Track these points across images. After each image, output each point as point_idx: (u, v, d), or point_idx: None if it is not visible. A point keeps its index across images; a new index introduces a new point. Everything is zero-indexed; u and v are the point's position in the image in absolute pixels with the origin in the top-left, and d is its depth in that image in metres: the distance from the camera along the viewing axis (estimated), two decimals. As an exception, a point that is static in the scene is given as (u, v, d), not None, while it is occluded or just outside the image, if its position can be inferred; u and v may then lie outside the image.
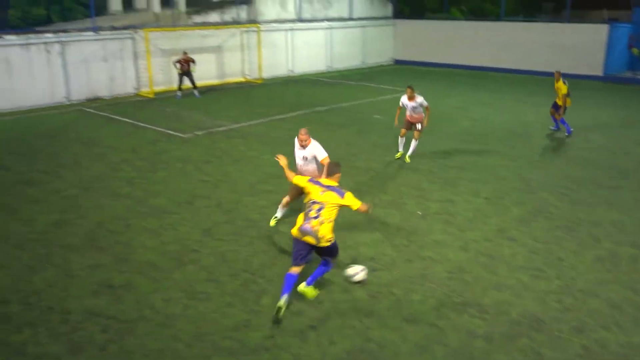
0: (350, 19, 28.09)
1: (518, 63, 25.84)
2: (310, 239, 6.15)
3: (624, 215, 9.07)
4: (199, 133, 14.28)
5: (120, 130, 14.60)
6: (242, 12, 23.72)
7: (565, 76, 23.86)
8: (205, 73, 21.93)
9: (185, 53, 19.05)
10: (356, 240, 8.05)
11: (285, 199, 8.44)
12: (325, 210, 6.13)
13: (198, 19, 22.21)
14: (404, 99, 11.57)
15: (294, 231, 6.23)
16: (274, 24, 24.46)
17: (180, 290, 6.78)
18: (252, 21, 23.79)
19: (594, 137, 14.11)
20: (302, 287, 6.51)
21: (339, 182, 6.44)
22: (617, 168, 11.57)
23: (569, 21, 24.86)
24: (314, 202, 6.19)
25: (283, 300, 6.11)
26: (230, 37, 22.70)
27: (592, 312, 6.43)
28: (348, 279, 6.53)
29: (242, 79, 23.29)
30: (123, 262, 7.43)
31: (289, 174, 6.84)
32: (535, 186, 10.42)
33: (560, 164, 11.81)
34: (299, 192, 8.00)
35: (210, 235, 8.23)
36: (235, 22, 23.21)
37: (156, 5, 21.65)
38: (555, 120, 14.45)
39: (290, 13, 25.38)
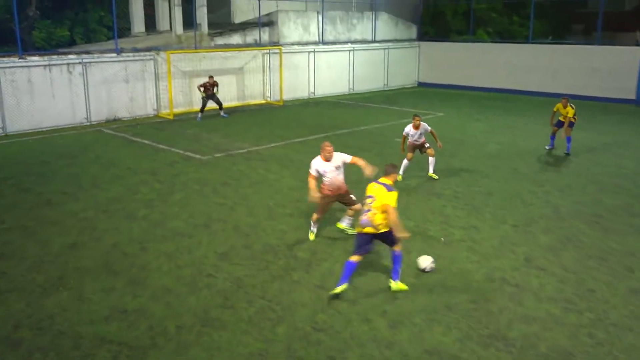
0: (374, 41, 28.29)
1: (547, 86, 25.64)
2: (370, 230, 7.14)
3: (660, 245, 8.82)
4: (218, 155, 14.38)
5: (139, 152, 14.78)
6: (264, 34, 24.06)
7: (597, 100, 23.73)
8: (226, 95, 22.17)
9: (211, 77, 19.43)
10: (376, 267, 7.94)
11: (315, 216, 8.85)
12: (376, 202, 7.09)
13: (220, 40, 22.58)
14: (409, 129, 11.89)
15: (357, 228, 7.30)
16: (296, 46, 24.74)
17: (194, 316, 6.74)
18: (274, 43, 24.10)
19: (627, 163, 13.85)
20: (393, 285, 7.28)
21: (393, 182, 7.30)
22: (652, 195, 11.30)
23: (600, 43, 24.66)
24: (369, 197, 7.24)
25: (340, 288, 7.04)
26: (251, 59, 22.99)
27: (626, 347, 6.21)
28: (421, 269, 7.73)
29: (262, 101, 23.50)
30: (137, 286, 7.44)
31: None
32: (565, 213, 10.22)
33: (591, 191, 11.58)
34: (328, 205, 8.79)
35: (226, 259, 8.21)
36: (257, 44, 23.53)
37: (179, 27, 22.08)
38: (568, 140, 14.72)
39: (313, 35, 25.67)
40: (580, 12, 29.67)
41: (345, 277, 7.11)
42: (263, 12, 24.27)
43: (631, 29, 27.02)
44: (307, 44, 25.33)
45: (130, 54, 19.63)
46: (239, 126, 18.47)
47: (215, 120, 19.50)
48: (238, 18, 26.11)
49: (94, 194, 11.23)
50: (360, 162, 8.48)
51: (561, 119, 14.82)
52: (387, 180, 7.26)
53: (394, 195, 7.05)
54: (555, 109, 14.90)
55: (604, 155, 14.59)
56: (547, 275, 7.79)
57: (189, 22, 22.22)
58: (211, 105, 19.76)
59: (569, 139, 14.68)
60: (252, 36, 23.60)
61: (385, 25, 28.91)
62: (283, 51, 23.43)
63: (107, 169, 13.06)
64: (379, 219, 7.08)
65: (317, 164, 8.57)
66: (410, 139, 12.06)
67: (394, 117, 20.34)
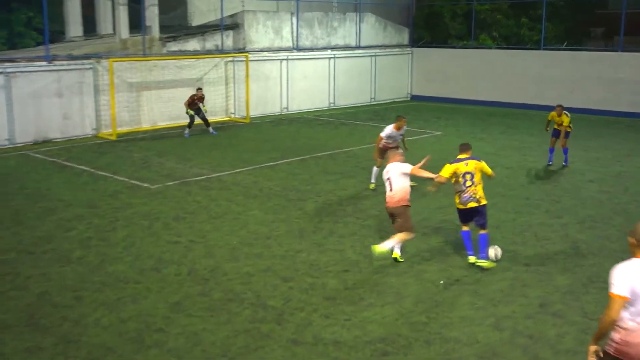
0: (359, 46, 28.73)
1: (563, 100, 25.92)
2: (472, 204, 9.36)
3: (698, 286, 8.97)
4: (171, 183, 14.36)
5: (74, 180, 14.69)
6: (228, 39, 24.30)
7: (623, 115, 24.24)
8: (182, 111, 22.23)
9: (199, 89, 20.23)
10: (363, 316, 7.96)
11: (408, 235, 9.68)
12: (475, 175, 9.36)
13: (174, 46, 22.74)
14: (390, 131, 13.43)
15: (458, 206, 9.54)
16: (266, 53, 25.00)
17: (139, 380, 6.65)
18: (240, 50, 24.33)
19: (658, 189, 14.15)
20: (482, 263, 9.44)
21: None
22: (688, 227, 11.53)
23: (623, 49, 25.35)
24: (466, 173, 9.35)
25: (474, 259, 9.56)
26: (212, 69, 23.15)
27: (661, 409, 6.26)
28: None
29: (226, 118, 23.61)
30: (70, 344, 7.32)
31: (434, 176, 9.58)
32: (586, 249, 10.37)
33: (618, 222, 11.79)
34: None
35: (180, 310, 8.15)
36: (219, 51, 23.74)
37: (124, 31, 22.19)
38: (565, 151, 16.30)
39: (286, 40, 26.00)
40: (600, 13, 30.52)
41: (469, 247, 9.61)
42: (226, 13, 24.56)
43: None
44: (279, 50, 25.62)
45: (65, 63, 19.63)
46: (196, 148, 18.48)
47: (167, 141, 19.49)
48: (196, 20, 26.37)
49: (17, 232, 11.09)
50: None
51: (556, 127, 16.21)
52: (467, 154, 9.54)
53: (484, 163, 9.55)
54: (549, 118, 16.51)
55: (632, 181, 14.89)
56: (567, 323, 7.87)
57: (137, 24, 22.37)
58: (166, 122, 19.81)
59: (565, 151, 16.10)
60: (212, 41, 23.81)
61: (371, 29, 29.41)
62: (250, 59, 23.65)
63: (34, 202, 12.93)
64: (480, 190, 9.37)
65: (390, 174, 9.71)
66: (385, 141, 13.41)
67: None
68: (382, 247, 9.36)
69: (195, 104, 20.07)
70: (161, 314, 8.05)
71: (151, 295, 8.59)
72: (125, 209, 12.48)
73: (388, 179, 9.62)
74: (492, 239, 10.82)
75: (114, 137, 19.76)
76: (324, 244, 10.50)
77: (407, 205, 9.60)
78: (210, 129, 20.90)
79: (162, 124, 21.76)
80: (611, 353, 4.95)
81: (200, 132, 20.89)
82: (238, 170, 15.73)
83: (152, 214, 12.15)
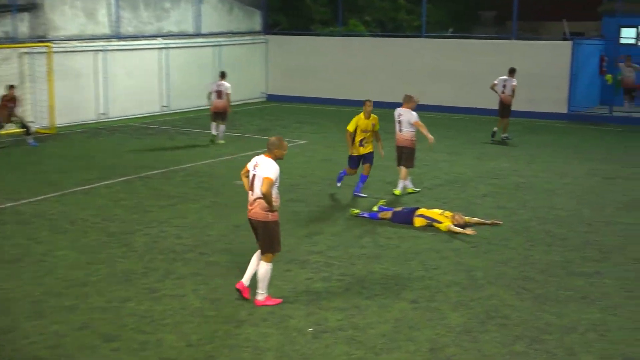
0: (198, 34, 28.67)
1: (451, 97, 27.39)
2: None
3: (607, 314, 9.63)
4: (-53, 219, 13.66)
5: None
6: (23, 24, 23.49)
7: (521, 115, 25.59)
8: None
9: (12, 87, 20.29)
10: None
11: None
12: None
13: (-53, 34, 21.71)
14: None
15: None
16: (76, 43, 24.42)
17: None
18: (40, 38, 23.60)
19: (562, 202, 15.11)
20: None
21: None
22: (596, 245, 12.40)
23: (517, 37, 26.98)
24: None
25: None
26: (2, 63, 22.28)
27: None
28: None
29: (22, 129, 22.73)
30: None
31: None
32: (482, 278, 10.83)
33: (517, 244, 12.43)
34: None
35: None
36: (11, 40, 22.92)
37: None
38: (364, 179, 16.44)
39: (103, 25, 25.52)
40: (490, -5, 32.46)
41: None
42: (20, -10, 23.77)
43: (557, 17, 29.97)
44: (92, 38, 25.09)
45: None
46: (-18, 170, 17.69)
47: None
48: (-22, -1, 25.28)
49: None
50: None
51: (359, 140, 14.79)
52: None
53: None
54: (354, 124, 14.92)
55: (532, 194, 15.79)
56: (462, 370, 8.19)
57: None
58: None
59: (365, 178, 15.48)
60: (1, 27, 22.96)
61: (214, 11, 29.50)
62: (54, 50, 23.04)
63: None
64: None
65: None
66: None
67: (232, 147, 20.56)
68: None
69: (6, 107, 20.05)
70: None
71: None
72: None
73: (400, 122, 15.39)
74: (371, 272, 11.11)
75: None
76: (158, 289, 10.31)
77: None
78: (30, 139, 20.93)
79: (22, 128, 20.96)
80: (276, 218, 9.65)
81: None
82: (41, 197, 15.17)
83: None
